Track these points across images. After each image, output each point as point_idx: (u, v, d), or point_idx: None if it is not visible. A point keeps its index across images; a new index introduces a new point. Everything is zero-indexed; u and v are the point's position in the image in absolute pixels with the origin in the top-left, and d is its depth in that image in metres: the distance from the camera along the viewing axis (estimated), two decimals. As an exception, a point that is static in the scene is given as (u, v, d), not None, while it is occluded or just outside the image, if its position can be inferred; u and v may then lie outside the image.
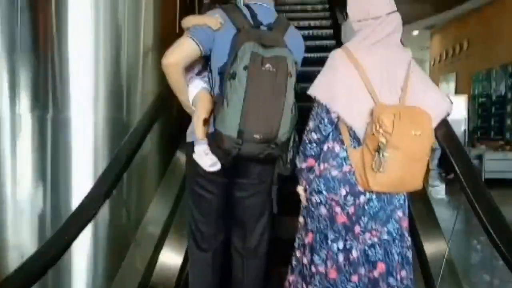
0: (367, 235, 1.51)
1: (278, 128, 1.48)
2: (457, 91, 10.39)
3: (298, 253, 1.64)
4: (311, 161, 1.57)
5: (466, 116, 9.53)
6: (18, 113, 2.13)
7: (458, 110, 9.61)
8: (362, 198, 1.49)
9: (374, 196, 1.49)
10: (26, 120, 2.14)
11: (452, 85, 10.84)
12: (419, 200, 2.12)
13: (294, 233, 1.68)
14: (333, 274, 1.51)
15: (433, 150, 1.63)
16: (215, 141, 1.53)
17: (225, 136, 1.46)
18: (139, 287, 1.99)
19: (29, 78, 2.13)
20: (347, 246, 1.51)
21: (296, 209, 1.68)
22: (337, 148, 1.52)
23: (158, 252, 2.19)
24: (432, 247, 1.99)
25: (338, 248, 1.51)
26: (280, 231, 2.14)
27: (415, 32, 11.55)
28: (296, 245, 1.66)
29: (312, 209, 1.55)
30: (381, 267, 1.52)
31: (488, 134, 8.70)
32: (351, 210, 1.50)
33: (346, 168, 1.49)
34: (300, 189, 1.64)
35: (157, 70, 2.10)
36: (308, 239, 1.57)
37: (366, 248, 1.52)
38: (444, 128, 1.66)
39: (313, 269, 1.54)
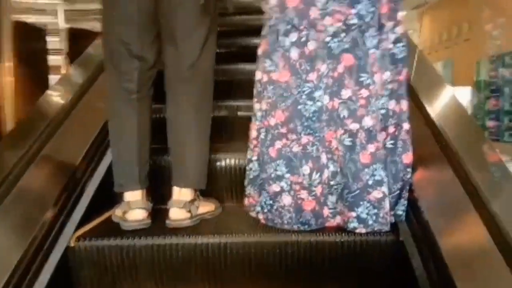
0: (328, 20, 1.28)
1: None
2: (455, 82, 8.83)
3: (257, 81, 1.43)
4: None
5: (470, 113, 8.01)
6: None
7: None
8: None
9: None
10: None
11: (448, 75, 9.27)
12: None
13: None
14: (285, 76, 1.30)
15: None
16: None
17: None
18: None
19: None
20: (302, 38, 1.29)
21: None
22: None
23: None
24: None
25: (291, 42, 1.30)
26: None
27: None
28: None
29: (269, 10, 1.38)
30: (347, 59, 1.28)
31: (501, 136, 7.14)
32: None
33: None
34: (263, 4, 1.46)
35: None
36: (262, 47, 1.38)
37: (328, 38, 1.28)
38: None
39: (265, 79, 1.36)
